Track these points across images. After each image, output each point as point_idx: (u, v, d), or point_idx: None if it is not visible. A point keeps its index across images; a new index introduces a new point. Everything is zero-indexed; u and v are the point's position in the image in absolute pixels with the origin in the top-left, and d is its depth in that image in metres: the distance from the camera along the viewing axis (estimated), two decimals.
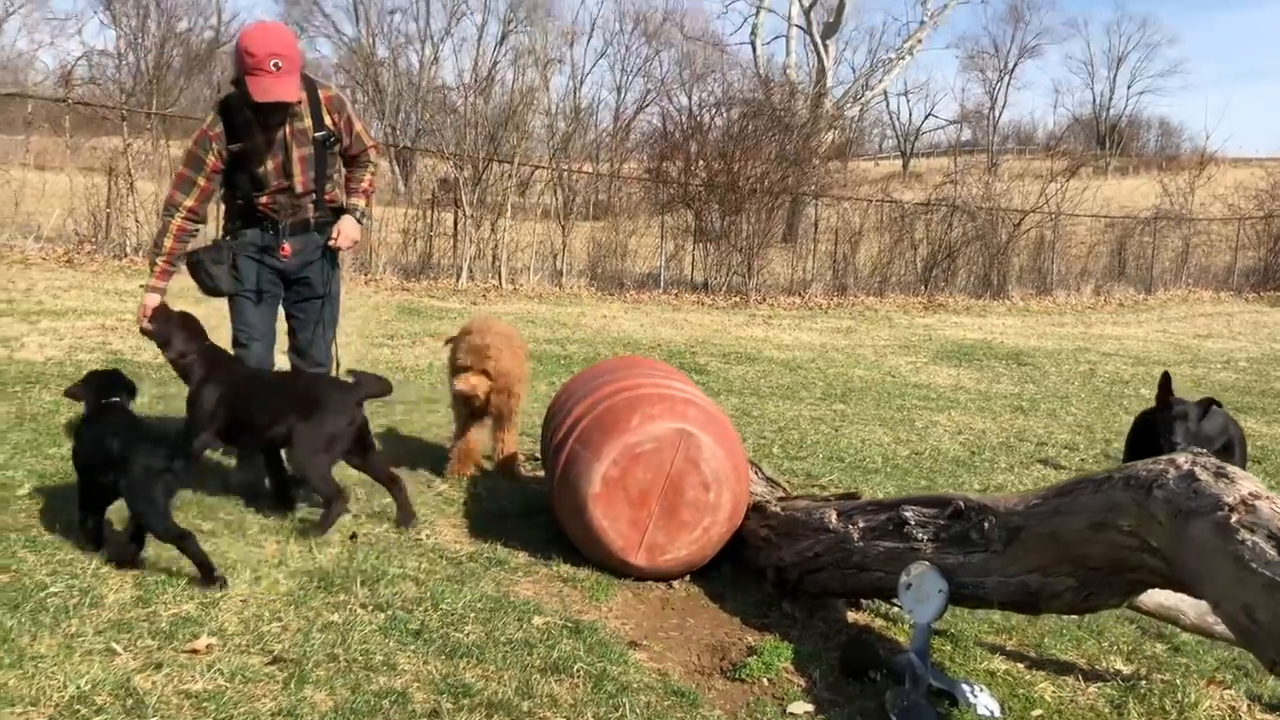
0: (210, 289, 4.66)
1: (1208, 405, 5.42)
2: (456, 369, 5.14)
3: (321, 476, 4.15)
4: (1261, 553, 2.25)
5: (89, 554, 3.63)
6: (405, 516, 4.36)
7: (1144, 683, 3.49)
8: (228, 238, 4.68)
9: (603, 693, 3.01)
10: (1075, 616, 4.06)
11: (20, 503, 4.13)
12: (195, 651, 2.97)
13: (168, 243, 4.55)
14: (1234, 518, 2.33)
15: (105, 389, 3.94)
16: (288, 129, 4.50)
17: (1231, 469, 2.49)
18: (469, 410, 5.22)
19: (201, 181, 4.52)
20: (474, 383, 5.07)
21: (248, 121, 4.43)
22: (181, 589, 3.40)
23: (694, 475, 4.00)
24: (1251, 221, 24.89)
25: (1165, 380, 5.63)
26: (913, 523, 3.39)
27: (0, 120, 15.61)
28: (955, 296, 19.28)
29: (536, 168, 18.04)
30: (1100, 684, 3.48)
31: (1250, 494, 2.38)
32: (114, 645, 2.95)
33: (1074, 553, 2.87)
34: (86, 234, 13.92)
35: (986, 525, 3.13)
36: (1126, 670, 3.63)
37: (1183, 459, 2.59)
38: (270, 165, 4.51)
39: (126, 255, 13.74)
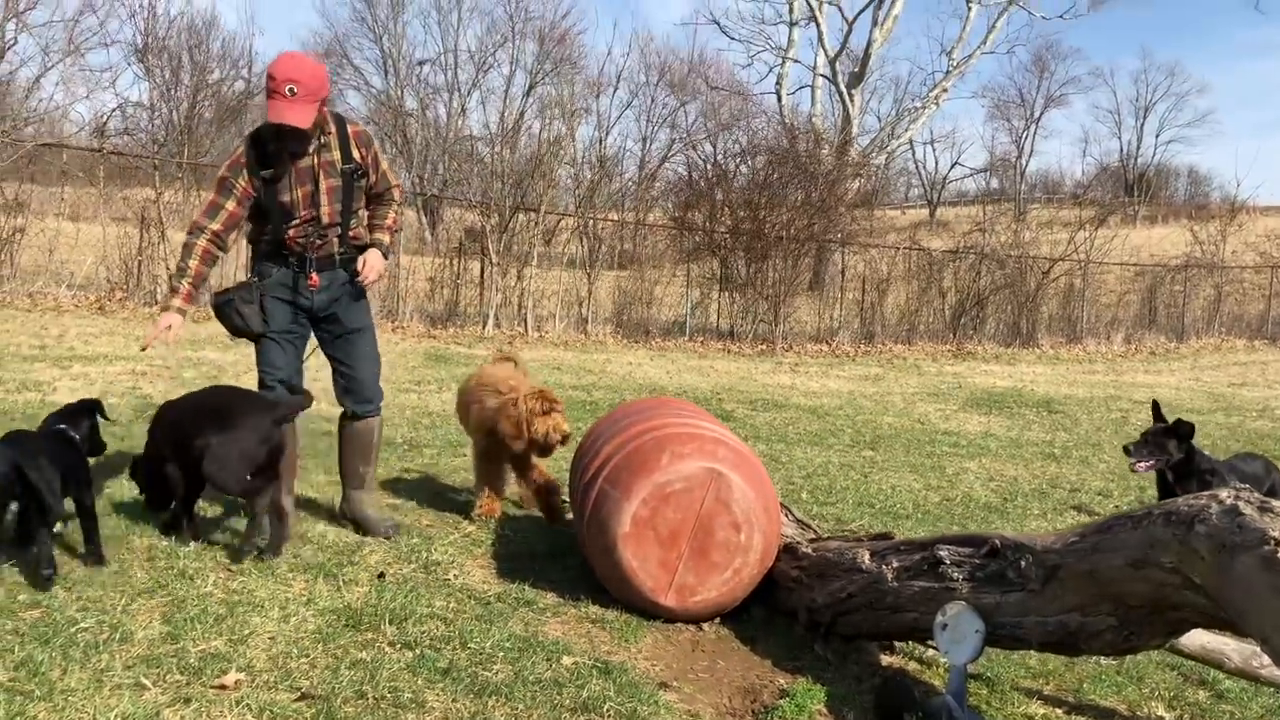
0: (239, 329, 4.65)
1: (1177, 425, 5.58)
2: (531, 417, 5.05)
3: (236, 479, 4.11)
4: None
5: (119, 592, 3.63)
6: (273, 546, 4.23)
7: None
8: (255, 279, 4.70)
9: None
10: (1115, 662, 3.99)
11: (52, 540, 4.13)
12: (224, 687, 2.96)
13: (193, 263, 4.52)
14: None
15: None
16: (316, 160, 4.55)
17: (1276, 504, 2.44)
18: (497, 452, 5.21)
19: (230, 206, 4.52)
20: (564, 423, 5.12)
21: (279, 150, 4.48)
22: (210, 625, 3.39)
23: (724, 516, 3.96)
24: None
25: (1155, 406, 5.87)
26: (948, 562, 3.34)
27: (36, 171, 15.91)
28: (984, 344, 19.19)
29: (563, 216, 18.18)
30: None
31: None
32: (143, 680, 2.94)
33: (1114, 591, 2.81)
34: (118, 281, 14.11)
35: (1023, 564, 3.08)
36: (1169, 717, 3.55)
37: (1225, 494, 2.54)
38: (298, 194, 4.54)
39: (157, 302, 13.91)
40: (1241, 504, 2.47)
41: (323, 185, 4.58)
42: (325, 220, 4.62)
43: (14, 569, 3.74)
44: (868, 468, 7.78)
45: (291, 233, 4.60)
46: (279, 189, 4.53)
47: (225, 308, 4.62)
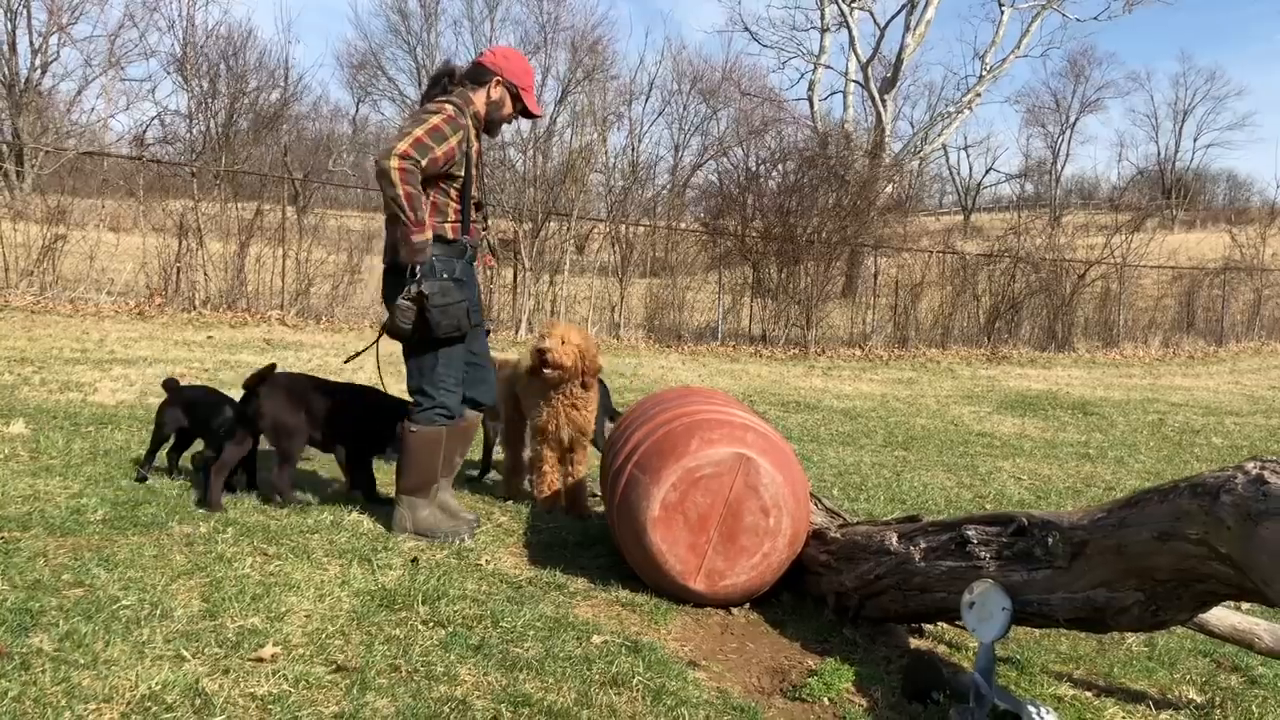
0: (452, 329, 4.48)
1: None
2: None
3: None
4: None
5: (159, 573, 3.72)
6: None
7: (1217, 711, 3.40)
8: (445, 276, 4.47)
9: (661, 705, 3.00)
10: (1146, 647, 3.98)
11: (94, 527, 4.24)
12: (261, 660, 3.02)
13: (414, 189, 4.29)
14: None
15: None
16: (479, 148, 4.64)
17: None
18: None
19: (438, 153, 4.34)
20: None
21: (469, 127, 4.53)
22: (248, 604, 3.46)
23: (753, 500, 3.98)
24: None
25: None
26: (975, 541, 3.35)
27: (77, 184, 16.22)
28: (1019, 348, 19.07)
29: (596, 221, 18.26)
30: (1172, 711, 3.39)
31: None
32: (183, 652, 3.01)
33: (1141, 565, 2.81)
34: (157, 287, 14.35)
35: (1050, 541, 3.08)
36: (1200, 700, 3.53)
37: (1251, 464, 2.54)
38: (474, 174, 4.60)
39: (195, 308, 14.13)
40: (1267, 472, 2.47)
41: (474, 172, 4.63)
42: (479, 202, 4.70)
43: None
44: (900, 466, 7.77)
45: (473, 214, 4.62)
46: (468, 167, 4.55)
47: (454, 309, 4.45)
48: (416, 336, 4.43)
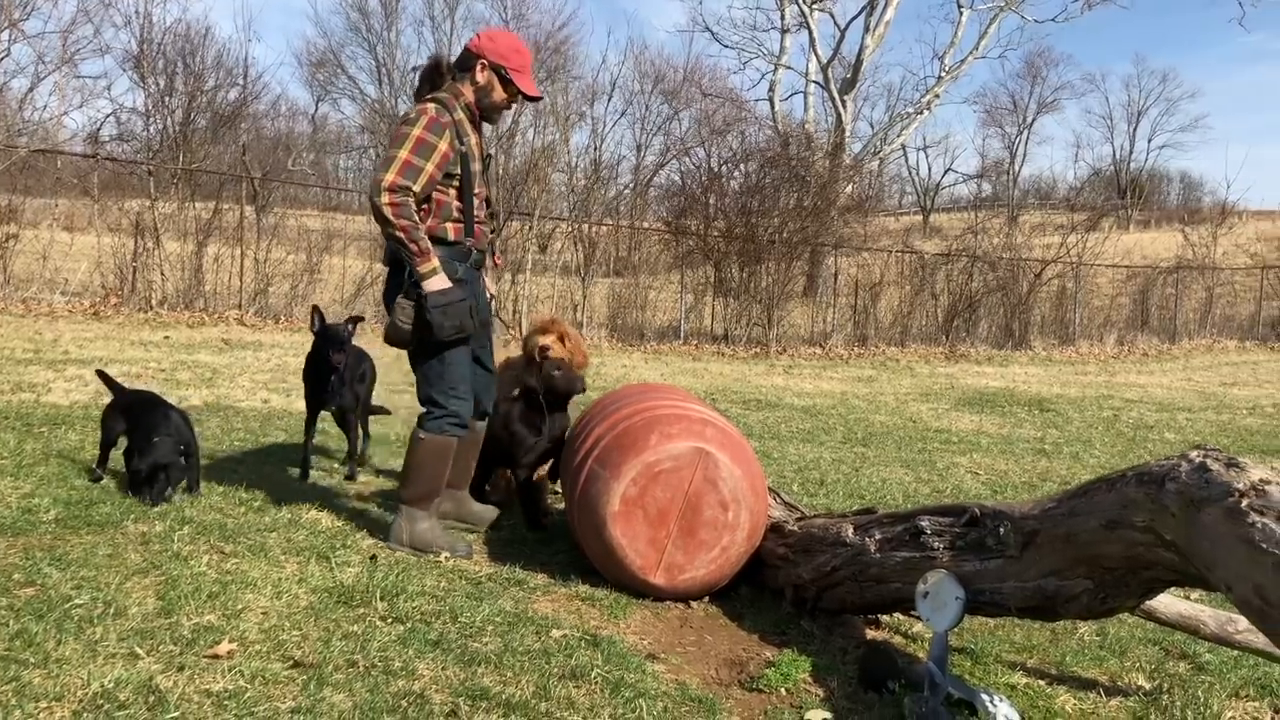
0: (457, 330, 4.27)
1: None
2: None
3: None
4: (1271, 533, 2.27)
5: (113, 571, 3.68)
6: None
7: (1165, 696, 3.46)
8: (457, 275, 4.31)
9: (620, 697, 3.02)
10: (1098, 638, 4.05)
11: (46, 526, 4.19)
12: (216, 656, 3.00)
13: (409, 221, 4.10)
14: (1244, 502, 2.35)
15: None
16: (478, 139, 4.42)
17: (1243, 459, 2.50)
18: None
19: (430, 168, 4.14)
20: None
21: (462, 121, 4.29)
22: (204, 601, 3.44)
23: (712, 494, 4.01)
24: (1276, 270, 24.90)
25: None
26: (929, 532, 3.39)
27: (30, 183, 15.98)
28: (977, 347, 19.27)
29: (559, 221, 18.25)
30: (1122, 698, 3.45)
31: (1261, 480, 2.40)
32: (137, 650, 2.99)
33: (1090, 554, 2.87)
34: (113, 287, 14.18)
35: (1002, 531, 3.13)
36: (1149, 686, 3.60)
37: (1195, 453, 2.60)
38: (477, 169, 4.37)
39: (152, 308, 13.96)
40: (1210, 461, 2.53)
41: (476, 166, 4.43)
42: (488, 200, 4.54)
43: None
44: (859, 462, 7.84)
45: (479, 214, 4.41)
46: (469, 163, 4.32)
47: (455, 308, 4.21)
48: (417, 338, 4.25)
